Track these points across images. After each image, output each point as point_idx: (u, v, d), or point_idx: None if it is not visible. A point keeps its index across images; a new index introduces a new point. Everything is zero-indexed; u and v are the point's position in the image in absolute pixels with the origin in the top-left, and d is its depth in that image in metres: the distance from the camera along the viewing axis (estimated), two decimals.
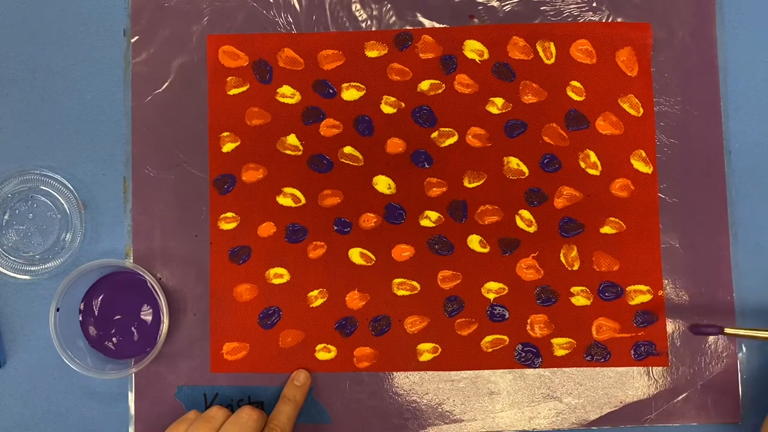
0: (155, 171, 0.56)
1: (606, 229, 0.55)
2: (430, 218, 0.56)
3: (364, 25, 0.57)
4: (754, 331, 0.51)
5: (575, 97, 0.56)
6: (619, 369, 0.55)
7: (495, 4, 0.56)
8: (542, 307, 0.55)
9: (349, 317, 0.55)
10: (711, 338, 0.55)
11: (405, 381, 0.55)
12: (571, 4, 0.56)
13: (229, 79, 0.56)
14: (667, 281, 0.55)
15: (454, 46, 0.56)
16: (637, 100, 0.56)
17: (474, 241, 0.56)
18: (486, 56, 0.56)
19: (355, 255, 0.56)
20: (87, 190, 0.57)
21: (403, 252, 0.56)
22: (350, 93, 0.56)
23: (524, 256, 0.55)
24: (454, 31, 0.56)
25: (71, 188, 0.56)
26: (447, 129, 0.56)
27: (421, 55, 0.56)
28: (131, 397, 0.55)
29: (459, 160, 0.56)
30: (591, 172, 0.56)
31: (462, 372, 0.55)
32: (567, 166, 0.56)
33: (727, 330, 0.51)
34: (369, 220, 0.56)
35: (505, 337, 0.55)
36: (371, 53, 0.56)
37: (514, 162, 0.56)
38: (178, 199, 0.56)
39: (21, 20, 0.57)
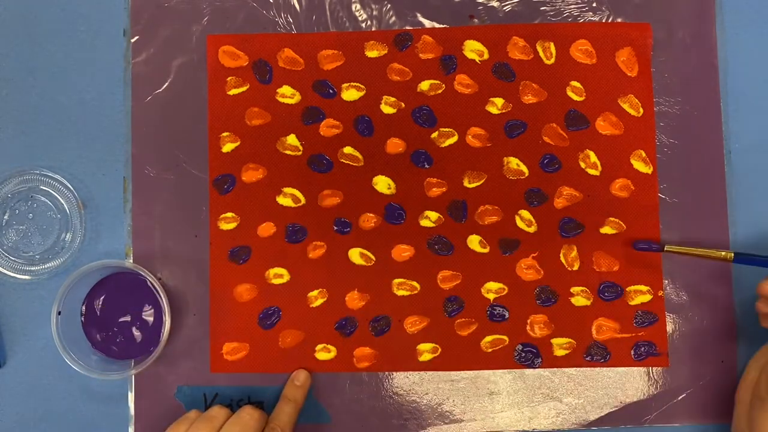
0: (155, 171, 0.56)
1: (606, 229, 0.55)
2: (430, 218, 0.56)
3: (364, 25, 0.57)
4: (693, 249, 0.53)
5: (575, 98, 0.56)
6: (619, 369, 0.55)
7: (495, 4, 0.56)
8: (542, 307, 0.55)
9: (349, 317, 0.55)
10: (711, 339, 0.55)
11: (405, 381, 0.55)
12: (571, 4, 0.56)
13: (229, 79, 0.56)
14: (666, 281, 0.55)
15: (454, 46, 0.56)
16: (637, 100, 0.56)
17: (474, 242, 0.56)
18: (486, 56, 0.56)
19: (355, 255, 0.56)
20: (87, 190, 0.57)
21: (403, 252, 0.56)
22: (350, 93, 0.56)
23: (524, 256, 0.55)
24: (454, 32, 0.56)
25: (71, 188, 0.56)
26: (447, 129, 0.56)
27: (421, 55, 0.56)
28: (131, 397, 0.55)
29: (459, 160, 0.56)
30: (591, 172, 0.56)
31: (462, 372, 0.55)
32: (567, 166, 0.56)
33: (668, 248, 0.53)
34: (369, 221, 0.56)
35: (505, 337, 0.55)
36: (371, 53, 0.56)
37: (514, 162, 0.56)
38: (178, 199, 0.56)
39: (21, 20, 0.57)
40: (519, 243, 0.55)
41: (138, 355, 0.55)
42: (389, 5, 0.57)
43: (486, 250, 0.55)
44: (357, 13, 0.57)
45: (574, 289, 0.55)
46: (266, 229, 0.56)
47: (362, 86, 0.56)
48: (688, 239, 0.55)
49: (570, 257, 0.55)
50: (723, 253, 0.52)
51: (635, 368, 0.55)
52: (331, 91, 0.56)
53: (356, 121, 0.56)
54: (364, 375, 0.55)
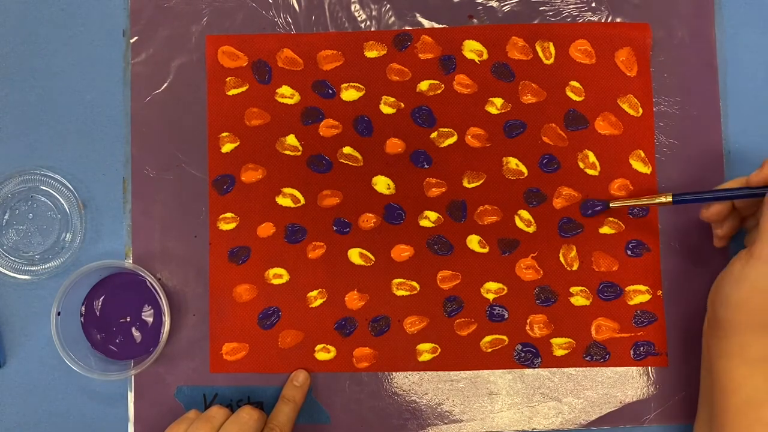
0: (155, 171, 0.56)
1: (605, 230, 0.55)
2: (429, 218, 0.56)
3: (363, 25, 0.57)
4: (635, 200, 0.54)
5: (574, 98, 0.56)
6: (619, 369, 0.55)
7: (494, 4, 0.56)
8: (541, 307, 0.55)
9: (349, 317, 0.55)
10: None
11: (404, 381, 0.55)
12: (570, 5, 0.56)
13: (228, 79, 0.56)
14: (665, 281, 0.55)
15: (453, 47, 0.56)
16: (636, 100, 0.56)
17: (473, 242, 0.56)
18: (485, 56, 0.56)
19: (355, 255, 0.56)
20: (87, 190, 0.57)
21: (402, 252, 0.56)
22: (349, 93, 0.56)
23: (523, 256, 0.55)
24: (453, 32, 0.56)
25: (71, 188, 0.56)
26: (446, 129, 0.56)
27: (420, 55, 0.56)
28: (131, 397, 0.55)
29: (458, 160, 0.56)
30: (590, 172, 0.56)
31: (461, 372, 0.55)
32: (566, 167, 0.56)
33: (612, 204, 0.54)
34: (368, 221, 0.56)
35: (505, 337, 0.55)
36: (370, 53, 0.56)
37: (513, 162, 0.56)
38: (177, 199, 0.56)
39: (21, 20, 0.57)
40: (518, 243, 0.55)
41: (138, 356, 0.55)
42: (388, 5, 0.57)
43: (485, 250, 0.56)
44: (356, 14, 0.57)
45: (574, 289, 0.55)
46: (266, 229, 0.56)
47: (362, 86, 0.56)
48: (687, 239, 0.55)
49: (569, 257, 0.55)
50: (663, 199, 0.52)
51: (634, 368, 0.55)
52: (330, 91, 0.56)
53: (356, 122, 0.56)
54: (363, 375, 0.55)
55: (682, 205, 0.52)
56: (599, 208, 0.54)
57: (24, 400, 0.56)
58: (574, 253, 0.55)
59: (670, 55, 0.56)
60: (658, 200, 0.52)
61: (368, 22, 0.57)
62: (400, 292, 0.55)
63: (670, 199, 0.52)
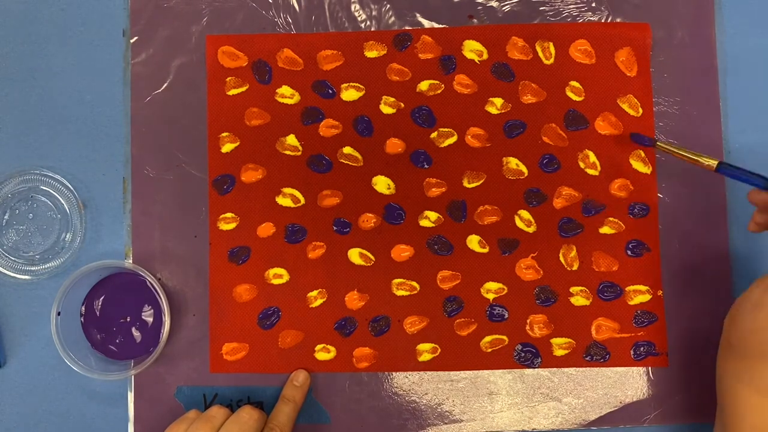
0: (155, 171, 0.56)
1: (605, 230, 0.55)
2: (429, 218, 0.56)
3: (363, 25, 0.57)
4: (683, 150, 0.52)
5: (574, 98, 0.56)
6: (619, 369, 0.55)
7: (494, 4, 0.56)
8: (541, 307, 0.55)
9: (349, 317, 0.55)
10: (710, 338, 0.55)
11: (404, 381, 0.55)
12: (570, 5, 0.56)
13: (228, 79, 0.56)
14: (666, 281, 0.55)
15: (453, 47, 0.56)
16: (636, 100, 0.56)
17: (473, 242, 0.56)
18: (485, 56, 0.56)
19: (355, 255, 0.56)
20: (87, 190, 0.57)
21: (402, 252, 0.56)
22: (349, 93, 0.56)
23: (523, 256, 0.55)
24: (453, 32, 0.56)
25: (71, 188, 0.56)
26: (446, 129, 0.56)
27: (420, 55, 0.56)
28: (131, 397, 0.55)
29: (458, 160, 0.56)
30: (590, 172, 0.56)
31: (461, 372, 0.55)
32: (566, 167, 0.56)
33: (659, 144, 0.53)
34: (368, 221, 0.56)
35: (505, 337, 0.55)
36: (370, 53, 0.56)
37: (513, 162, 0.56)
38: (177, 199, 0.56)
39: (21, 20, 0.57)
40: (518, 243, 0.55)
41: (138, 355, 0.55)
42: (388, 5, 0.57)
43: (485, 250, 0.56)
44: (356, 14, 0.57)
45: (574, 289, 0.55)
46: (266, 229, 0.56)
47: (362, 86, 0.56)
48: (687, 239, 0.55)
49: (569, 257, 0.55)
50: (707, 161, 0.50)
51: (635, 368, 0.55)
52: (330, 91, 0.56)
53: (356, 122, 0.56)
54: (363, 375, 0.55)
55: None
56: (647, 143, 0.54)
57: (24, 400, 0.56)
58: (574, 253, 0.55)
59: (670, 55, 0.56)
60: (702, 159, 0.50)
61: (368, 22, 0.57)
62: (400, 292, 0.55)
63: (714, 164, 0.50)
